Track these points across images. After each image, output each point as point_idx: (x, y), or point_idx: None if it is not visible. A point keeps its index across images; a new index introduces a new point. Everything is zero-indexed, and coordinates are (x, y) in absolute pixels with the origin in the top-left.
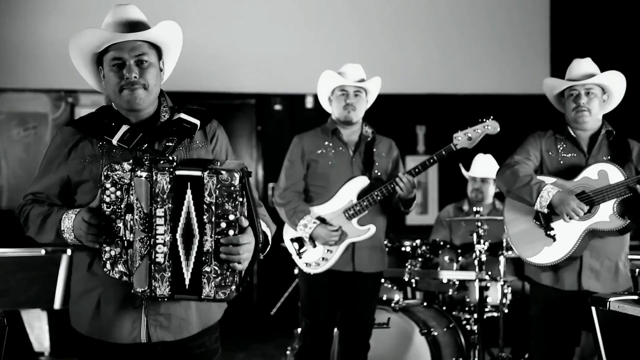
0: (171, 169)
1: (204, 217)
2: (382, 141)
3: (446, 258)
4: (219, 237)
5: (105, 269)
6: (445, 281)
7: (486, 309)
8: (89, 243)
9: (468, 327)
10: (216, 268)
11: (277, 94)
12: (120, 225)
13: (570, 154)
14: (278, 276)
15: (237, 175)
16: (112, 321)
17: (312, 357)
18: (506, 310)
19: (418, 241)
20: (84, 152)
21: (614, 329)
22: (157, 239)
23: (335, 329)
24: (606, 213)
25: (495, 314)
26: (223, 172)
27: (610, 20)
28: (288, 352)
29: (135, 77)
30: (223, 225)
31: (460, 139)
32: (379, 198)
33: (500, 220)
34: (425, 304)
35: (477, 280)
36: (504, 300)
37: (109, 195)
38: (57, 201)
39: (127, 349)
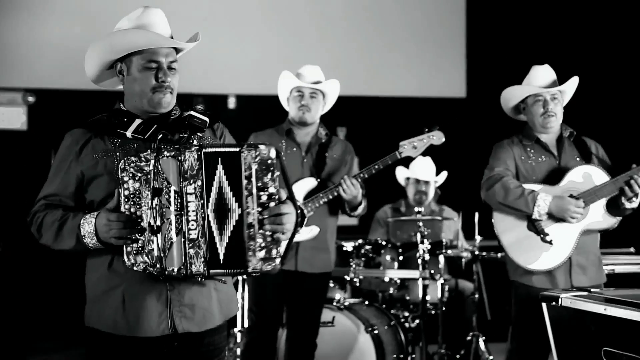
0: (198, 147)
1: (243, 190)
2: (337, 143)
3: (388, 257)
4: (261, 209)
5: (128, 263)
6: (387, 280)
7: (428, 306)
8: (119, 242)
9: (407, 324)
10: (260, 240)
11: (198, 94)
12: (143, 216)
13: (541, 158)
14: None
15: (273, 149)
16: (140, 316)
17: (258, 352)
18: (444, 308)
19: (360, 241)
20: (96, 148)
21: (565, 325)
22: (190, 215)
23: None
24: (598, 213)
25: (433, 312)
26: (261, 146)
27: (525, 23)
28: (226, 352)
29: (170, 80)
30: (264, 197)
31: (406, 147)
32: (323, 200)
33: (439, 220)
34: (367, 302)
35: (420, 279)
36: (442, 298)
37: (127, 189)
38: (71, 202)
39: (154, 342)
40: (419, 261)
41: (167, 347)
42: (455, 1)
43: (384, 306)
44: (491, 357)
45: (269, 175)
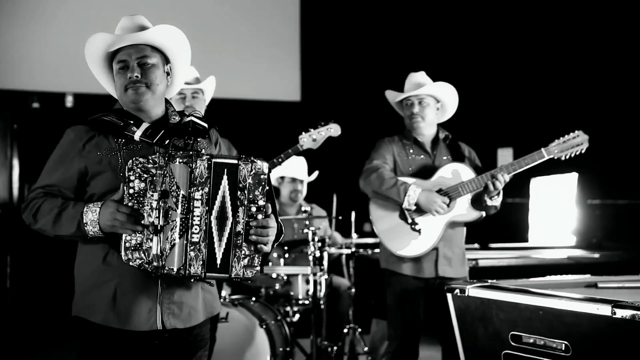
0: (209, 156)
1: (238, 201)
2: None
3: (275, 254)
4: (250, 220)
5: (125, 258)
6: (274, 276)
7: (307, 302)
8: (124, 230)
9: (288, 319)
10: (245, 249)
11: (33, 92)
12: (144, 215)
13: (418, 156)
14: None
15: (266, 164)
16: (130, 310)
17: None
18: (322, 302)
19: None
20: (100, 146)
21: (471, 314)
22: (194, 220)
23: None
24: (463, 206)
25: (312, 306)
26: (257, 161)
27: (359, 28)
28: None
29: (137, 76)
30: (253, 209)
31: (306, 140)
32: None
33: (320, 217)
34: (254, 298)
35: (310, 275)
36: (321, 293)
37: (132, 187)
38: (70, 194)
39: (142, 336)
40: (310, 258)
41: (158, 339)
42: (289, 6)
43: (265, 300)
44: (366, 348)
45: (260, 188)
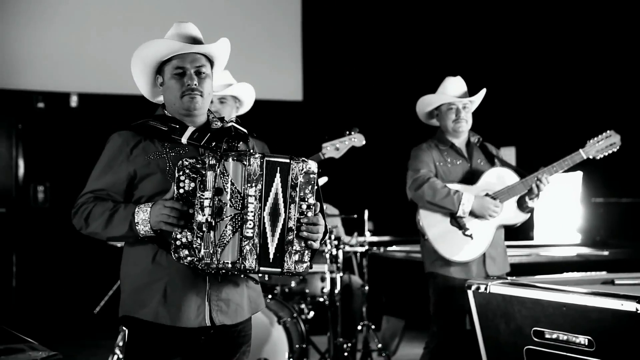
0: (261, 155)
1: (290, 198)
2: (256, 144)
3: None
4: (300, 216)
5: (175, 255)
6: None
7: (321, 299)
8: (168, 227)
9: (303, 316)
10: (296, 244)
11: (39, 92)
12: (195, 214)
13: (456, 161)
14: (102, 274)
15: (316, 165)
16: (180, 307)
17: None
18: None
19: None
20: (147, 150)
21: (492, 310)
22: (248, 215)
23: None
24: (510, 209)
25: (327, 304)
26: (307, 160)
27: (361, 28)
28: (117, 350)
29: (195, 84)
30: (304, 206)
31: (329, 149)
32: None
33: (332, 216)
34: (270, 296)
35: (328, 273)
36: (336, 290)
37: (182, 187)
38: (119, 198)
39: (190, 332)
40: (327, 256)
41: (204, 335)
42: (291, 5)
43: (281, 297)
44: (379, 345)
45: (310, 187)
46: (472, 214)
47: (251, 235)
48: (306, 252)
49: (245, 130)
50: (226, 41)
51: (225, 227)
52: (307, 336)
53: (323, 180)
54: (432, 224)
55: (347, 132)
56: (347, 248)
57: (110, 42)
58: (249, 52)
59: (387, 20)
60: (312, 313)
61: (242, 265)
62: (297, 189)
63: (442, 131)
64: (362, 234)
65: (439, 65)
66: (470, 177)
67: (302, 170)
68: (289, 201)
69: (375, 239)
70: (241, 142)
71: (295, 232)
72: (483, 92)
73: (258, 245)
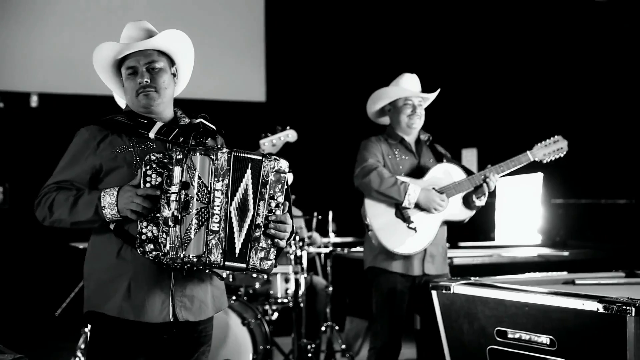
0: (229, 150)
1: (259, 195)
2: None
3: None
4: (269, 214)
5: (140, 249)
6: (254, 275)
7: (285, 301)
8: (137, 217)
9: (267, 317)
10: (263, 242)
11: None
12: (161, 208)
13: (405, 157)
14: (63, 276)
15: (287, 164)
16: (144, 302)
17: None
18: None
19: None
20: (114, 144)
21: (456, 311)
22: (215, 209)
23: None
24: (456, 206)
25: (291, 305)
26: (279, 159)
27: (324, 28)
28: (78, 353)
29: (146, 81)
30: (273, 204)
31: (267, 145)
32: None
33: (296, 217)
34: (234, 297)
35: (292, 273)
36: (300, 291)
37: (149, 182)
38: (84, 187)
39: (154, 328)
40: (291, 257)
41: (167, 333)
42: (254, 5)
43: (245, 299)
44: (343, 346)
45: (280, 186)
46: (418, 206)
47: (217, 229)
48: (272, 249)
49: (213, 127)
50: (171, 32)
51: (192, 221)
52: (271, 337)
53: (290, 177)
54: (376, 214)
55: (280, 128)
56: (311, 249)
57: (71, 41)
58: (211, 52)
59: (349, 21)
60: (276, 314)
61: (208, 259)
62: (268, 187)
63: (392, 127)
64: (325, 235)
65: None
66: (418, 172)
67: (273, 168)
68: (258, 198)
69: (338, 240)
70: (209, 139)
71: (262, 229)
72: (438, 91)
73: (224, 239)
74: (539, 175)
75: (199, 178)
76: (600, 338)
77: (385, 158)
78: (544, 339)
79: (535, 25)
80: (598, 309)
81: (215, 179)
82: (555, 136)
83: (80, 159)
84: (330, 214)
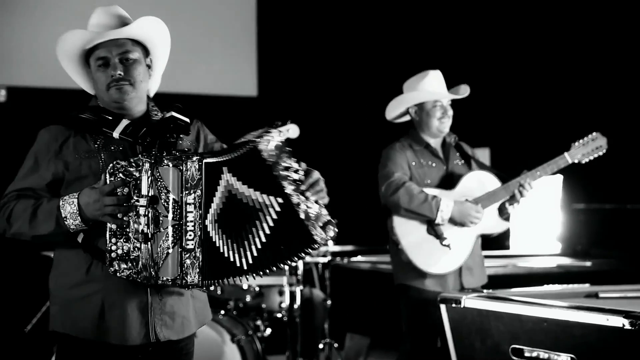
0: (199, 157)
1: (273, 177)
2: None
3: None
4: (302, 191)
5: (111, 268)
6: (245, 287)
7: (279, 315)
8: (112, 219)
9: (259, 334)
10: (312, 206)
11: None
12: (131, 221)
13: (431, 163)
14: (34, 288)
15: (278, 136)
16: (121, 324)
17: None
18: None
19: None
20: (78, 148)
21: (467, 326)
22: (188, 225)
23: None
24: (491, 217)
25: (286, 319)
26: (273, 132)
27: (317, 22)
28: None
29: (120, 74)
30: (295, 176)
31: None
32: None
33: None
34: (222, 312)
35: (287, 285)
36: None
37: (115, 193)
38: (47, 195)
39: (133, 350)
40: (286, 267)
41: (142, 353)
42: (245, 2)
43: (234, 313)
44: None
45: (286, 154)
46: (452, 221)
47: (192, 247)
48: (323, 210)
49: (187, 120)
50: (148, 20)
51: (164, 239)
52: (264, 356)
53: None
54: (407, 232)
55: (280, 123)
56: (308, 259)
57: (42, 32)
58: (200, 44)
59: (346, 13)
60: (269, 330)
61: (184, 281)
62: (276, 165)
63: (416, 129)
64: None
65: (403, 61)
66: (448, 181)
67: (269, 146)
68: (274, 179)
69: (338, 248)
70: (182, 135)
71: (303, 206)
72: (468, 89)
73: (200, 258)
74: (559, 178)
75: (168, 192)
76: (626, 357)
77: (411, 167)
78: (564, 357)
79: (552, 19)
80: (624, 325)
81: (186, 192)
82: (593, 133)
83: (42, 164)
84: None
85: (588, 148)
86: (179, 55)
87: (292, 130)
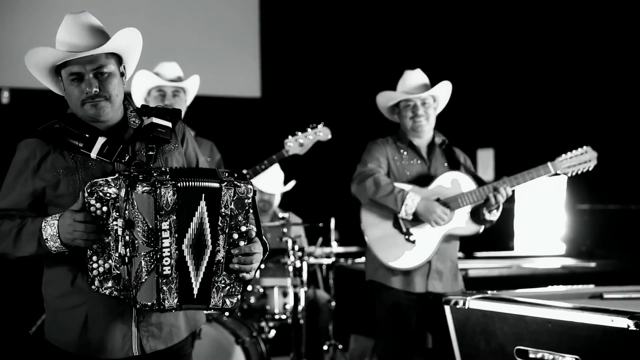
0: (173, 181)
1: (218, 228)
2: (202, 144)
3: None
4: (231, 247)
5: (93, 286)
6: (249, 289)
7: (283, 317)
8: (84, 243)
9: (263, 335)
10: (225, 278)
11: None
12: (111, 240)
13: (413, 162)
14: (38, 293)
15: (251, 188)
16: (103, 337)
17: None
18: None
19: None
20: (56, 165)
21: (471, 327)
22: (164, 252)
23: None
24: (462, 219)
25: (290, 321)
26: (240, 184)
27: (320, 22)
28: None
29: (95, 90)
30: (235, 236)
31: (292, 145)
32: None
33: (295, 224)
34: (227, 313)
35: (291, 287)
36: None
37: (94, 212)
38: (30, 214)
39: None
40: (289, 269)
41: None
42: (248, 2)
43: (238, 314)
44: None
45: (244, 213)
46: (417, 217)
47: (169, 272)
48: (236, 284)
49: (168, 125)
50: (127, 32)
51: (140, 265)
52: (268, 357)
53: (291, 183)
54: (372, 224)
55: (312, 126)
56: (312, 260)
57: (45, 33)
58: (204, 46)
59: (349, 14)
60: (273, 332)
61: (162, 306)
62: (228, 218)
63: (402, 129)
64: (327, 244)
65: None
66: (425, 180)
67: (233, 196)
68: (218, 231)
69: (342, 249)
70: (163, 144)
71: (224, 264)
72: (443, 84)
73: (178, 282)
74: (563, 179)
75: (143, 218)
76: (631, 357)
77: (391, 162)
78: (569, 359)
79: (556, 21)
80: (629, 326)
81: (161, 218)
82: (584, 147)
83: (20, 182)
84: (333, 221)
85: (574, 161)
86: (182, 56)
87: (323, 133)
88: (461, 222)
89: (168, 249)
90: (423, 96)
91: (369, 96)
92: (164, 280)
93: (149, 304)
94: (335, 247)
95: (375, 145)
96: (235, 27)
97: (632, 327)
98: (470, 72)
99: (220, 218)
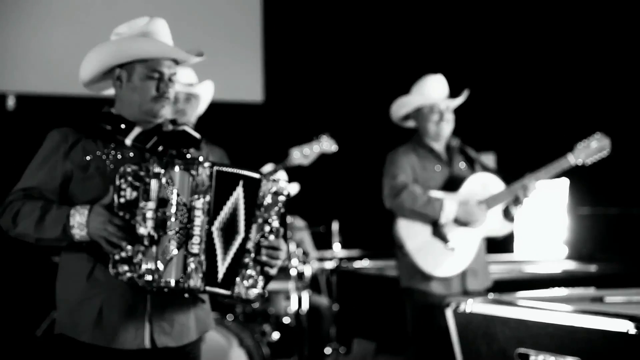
0: (210, 164)
1: (252, 217)
2: (212, 151)
3: None
4: (261, 239)
5: (113, 272)
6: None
7: (287, 320)
8: (110, 247)
9: (265, 338)
10: (251, 268)
11: None
12: (137, 226)
13: (435, 166)
14: (44, 293)
15: (289, 186)
16: (117, 328)
17: None
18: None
19: None
20: (87, 150)
21: (472, 331)
22: (194, 229)
23: None
24: (496, 219)
25: (293, 325)
26: (278, 181)
27: (323, 27)
28: None
29: (169, 92)
30: (267, 228)
31: (297, 155)
32: None
33: (299, 229)
34: (230, 316)
35: (294, 290)
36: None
37: (123, 196)
38: (53, 197)
39: (130, 355)
40: (293, 272)
41: (140, 359)
42: (250, 2)
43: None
44: None
45: (276, 209)
46: (457, 222)
47: (197, 251)
48: (260, 277)
49: (198, 136)
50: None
51: (169, 241)
52: None
53: (294, 188)
54: (411, 235)
55: (316, 137)
56: (315, 264)
57: (51, 39)
58: (206, 50)
59: (353, 18)
60: (276, 335)
61: (187, 284)
62: (263, 209)
63: (420, 134)
64: (330, 248)
65: (411, 65)
66: (452, 184)
67: (271, 189)
68: (252, 221)
69: (344, 253)
70: (192, 149)
71: (253, 255)
72: (466, 93)
73: (204, 262)
74: (565, 182)
75: (178, 195)
76: None
77: (416, 171)
78: None
79: (557, 24)
80: (629, 330)
81: (195, 196)
82: (597, 134)
83: (50, 162)
84: (335, 225)
85: (591, 149)
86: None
87: (327, 145)
88: (495, 223)
89: (199, 228)
90: (456, 103)
91: (371, 101)
92: (191, 259)
93: (174, 281)
94: (337, 251)
95: (398, 156)
96: (238, 31)
97: (633, 331)
98: (471, 76)
99: (255, 208)
